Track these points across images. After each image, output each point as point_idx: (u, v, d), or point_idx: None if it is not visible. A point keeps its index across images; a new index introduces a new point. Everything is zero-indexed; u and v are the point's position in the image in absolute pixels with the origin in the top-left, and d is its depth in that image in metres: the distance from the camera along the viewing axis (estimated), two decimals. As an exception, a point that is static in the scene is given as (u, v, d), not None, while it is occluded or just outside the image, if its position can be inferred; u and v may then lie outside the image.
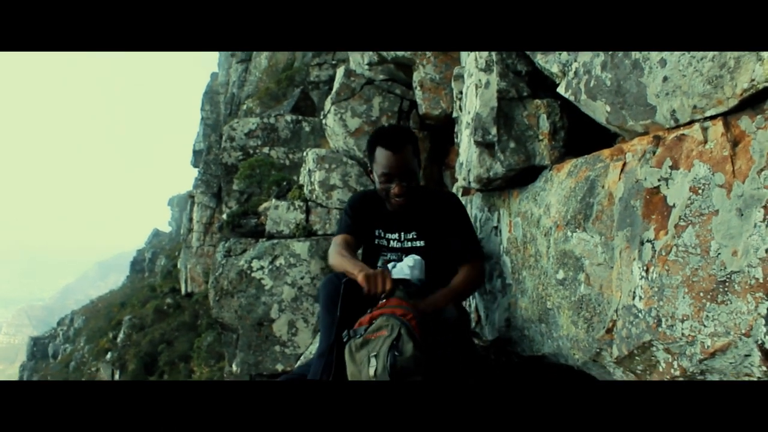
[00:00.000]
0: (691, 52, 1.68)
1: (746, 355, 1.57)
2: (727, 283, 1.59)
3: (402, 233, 2.82)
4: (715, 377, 1.68)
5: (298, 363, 4.87)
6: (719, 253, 1.61)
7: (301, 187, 7.47)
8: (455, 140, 4.33)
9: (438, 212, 2.77)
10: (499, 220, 2.85)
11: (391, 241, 2.84)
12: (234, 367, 6.77)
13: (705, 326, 1.65)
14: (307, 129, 10.60)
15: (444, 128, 5.79)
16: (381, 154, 2.67)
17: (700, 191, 1.67)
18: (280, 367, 6.48)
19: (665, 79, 1.77)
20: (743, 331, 1.55)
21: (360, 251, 2.95)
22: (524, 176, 2.57)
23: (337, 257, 2.71)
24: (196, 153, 29.65)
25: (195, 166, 29.16)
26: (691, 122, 1.74)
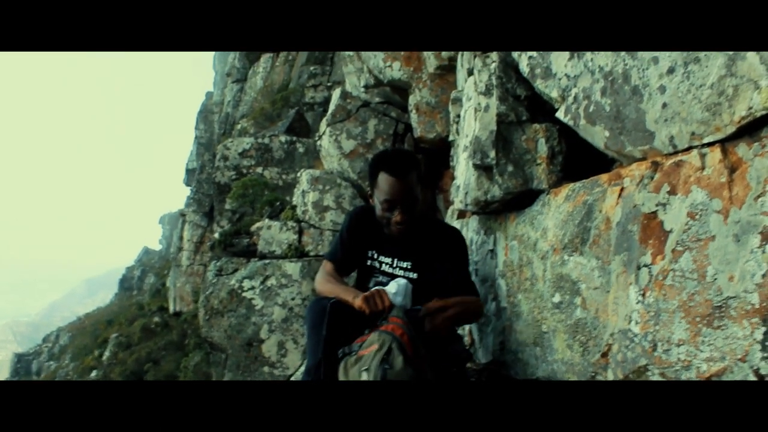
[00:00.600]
0: (690, 80, 1.71)
1: (742, 381, 1.58)
2: (723, 308, 1.61)
3: (396, 260, 2.78)
4: (711, 402, 1.69)
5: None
6: (716, 278, 1.63)
7: (294, 207, 7.48)
8: (450, 163, 4.35)
9: (438, 246, 2.73)
10: (495, 244, 2.86)
11: (383, 265, 2.81)
12: (222, 387, 6.71)
13: (701, 351, 1.66)
14: (301, 150, 10.62)
15: (438, 152, 5.82)
16: (384, 180, 2.59)
17: (697, 217, 1.69)
18: (268, 388, 6.43)
19: (664, 105, 1.80)
20: (739, 357, 1.56)
21: (354, 273, 2.95)
22: (521, 200, 2.58)
23: (327, 285, 2.71)
24: (189, 172, 29.62)
25: (187, 184, 29.12)
26: (689, 148, 1.77)
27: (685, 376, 1.72)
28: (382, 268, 2.81)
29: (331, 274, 2.81)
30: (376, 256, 2.84)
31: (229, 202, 10.46)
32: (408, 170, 2.60)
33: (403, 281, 2.62)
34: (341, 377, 2.23)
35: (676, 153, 1.81)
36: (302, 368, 4.76)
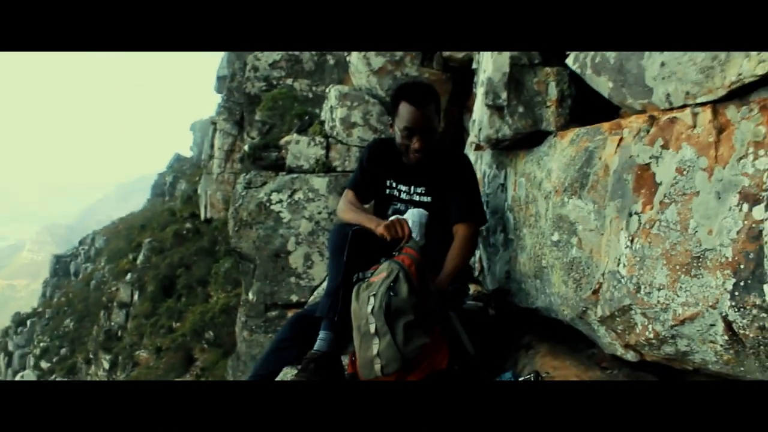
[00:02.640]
0: (687, 42, 1.78)
1: (711, 325, 1.73)
2: (700, 259, 1.74)
3: (412, 186, 2.97)
4: (684, 342, 1.85)
5: (311, 298, 5.10)
6: (696, 231, 1.75)
7: (322, 122, 7.57)
8: (473, 90, 4.42)
9: (448, 171, 2.92)
10: (505, 178, 2.99)
11: (401, 193, 3.00)
12: (250, 296, 7.05)
13: (678, 296, 1.81)
14: (332, 62, 10.59)
15: (467, 71, 5.85)
16: (405, 109, 2.78)
17: (684, 172, 1.80)
18: (294, 298, 6.74)
19: (662, 64, 1.88)
20: (710, 304, 1.71)
21: (371, 204, 3.13)
22: (531, 139, 2.69)
23: (350, 213, 2.90)
24: (220, 79, 29.53)
25: (218, 92, 29.13)
26: (683, 106, 1.86)
27: (662, 317, 1.87)
28: (400, 196, 3.00)
29: (352, 202, 3.01)
30: (394, 184, 3.01)
31: (259, 113, 10.55)
32: (427, 101, 2.79)
33: (418, 212, 2.80)
34: (353, 301, 2.42)
35: (671, 110, 1.90)
36: (325, 282, 5.03)
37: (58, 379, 26.66)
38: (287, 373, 2.79)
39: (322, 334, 2.58)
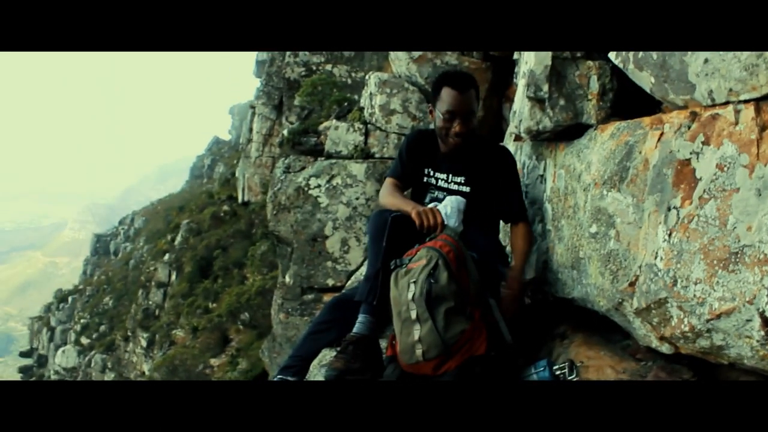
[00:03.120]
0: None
1: (748, 320, 1.75)
2: (738, 255, 1.77)
3: (450, 175, 3.04)
4: (719, 336, 1.88)
5: (349, 282, 5.19)
6: (735, 227, 1.78)
7: (361, 109, 7.62)
8: (514, 80, 4.43)
9: (490, 164, 2.99)
10: (544, 170, 3.02)
11: (439, 181, 3.07)
12: (287, 279, 7.17)
13: (715, 290, 1.84)
14: (372, 48, 10.62)
15: (507, 61, 5.85)
16: (447, 93, 2.89)
17: (725, 168, 1.82)
18: (330, 282, 6.83)
19: (706, 61, 1.89)
20: (747, 299, 1.74)
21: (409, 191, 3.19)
22: (571, 131, 2.72)
23: (389, 198, 2.97)
24: (259, 63, 29.71)
25: (257, 76, 29.31)
26: (726, 103, 1.87)
27: (698, 311, 1.90)
28: (438, 184, 3.06)
29: (393, 188, 3.08)
30: (432, 173, 3.08)
31: (298, 98, 10.64)
32: (469, 87, 2.91)
33: (456, 199, 2.86)
34: (392, 287, 2.50)
35: (713, 106, 1.92)
36: (363, 268, 5.11)
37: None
38: (326, 355, 2.88)
39: (361, 318, 2.66)
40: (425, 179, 3.12)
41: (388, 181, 3.14)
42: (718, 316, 1.84)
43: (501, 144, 3.21)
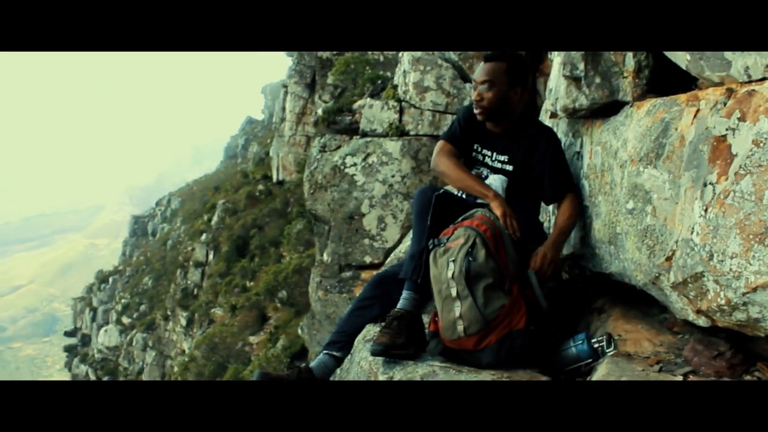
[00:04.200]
0: None
1: (783, 293, 1.80)
2: (774, 230, 1.81)
3: (495, 153, 3.09)
4: (755, 309, 1.92)
5: (389, 260, 5.25)
6: (771, 203, 1.82)
7: (395, 87, 7.66)
8: (548, 56, 4.45)
9: (534, 143, 3.02)
10: (581, 147, 3.06)
11: (486, 158, 3.13)
12: (325, 257, 7.29)
13: (750, 264, 1.88)
14: (403, 26, 10.60)
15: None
16: (478, 66, 2.99)
17: (761, 144, 1.86)
18: (368, 259, 6.93)
19: (742, 38, 1.92)
20: (783, 272, 1.78)
21: None
22: (607, 108, 2.75)
23: (455, 170, 3.02)
24: (291, 41, 29.62)
25: (289, 55, 29.34)
26: (762, 79, 1.90)
27: (734, 285, 1.95)
28: (484, 161, 3.13)
29: (451, 154, 3.12)
30: (479, 149, 3.15)
31: (331, 77, 10.72)
32: (497, 58, 2.96)
33: (499, 178, 2.93)
34: (431, 266, 2.59)
35: (750, 82, 1.95)
36: (401, 246, 5.19)
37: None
38: (369, 330, 2.98)
39: (405, 294, 2.75)
40: (473, 154, 3.19)
41: (444, 145, 3.16)
42: (754, 290, 1.88)
43: (546, 125, 3.24)
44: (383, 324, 2.66)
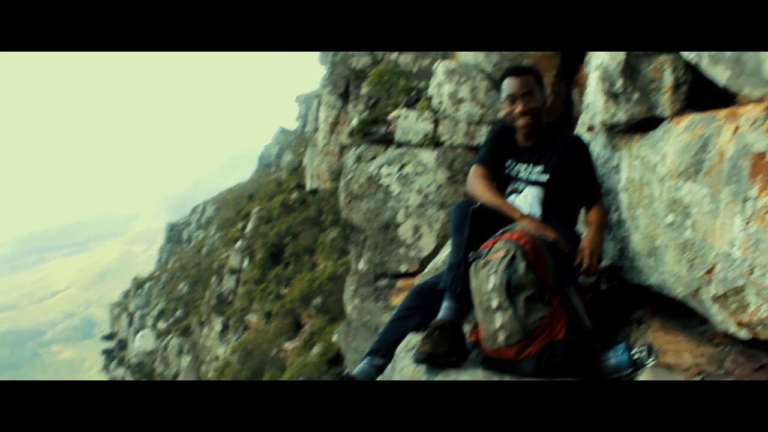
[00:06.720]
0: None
1: (824, 307, 1.84)
2: (814, 244, 1.85)
3: (530, 165, 3.17)
4: (796, 322, 1.96)
5: (426, 269, 5.30)
6: (811, 218, 1.86)
7: (430, 98, 7.71)
8: (585, 69, 4.49)
9: (566, 152, 3.11)
10: (619, 160, 3.10)
11: (520, 172, 3.21)
12: (361, 265, 7.36)
13: (791, 278, 1.92)
14: (437, 36, 10.66)
15: (575, 46, 5.81)
16: (506, 83, 3.14)
17: (801, 161, 1.90)
18: (403, 268, 6.98)
19: (781, 56, 1.96)
20: (823, 287, 1.82)
21: None
22: (645, 123, 2.79)
23: (488, 194, 3.11)
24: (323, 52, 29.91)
25: (322, 63, 29.57)
26: (801, 97, 1.94)
27: (775, 298, 1.99)
28: (519, 176, 3.20)
29: (485, 178, 3.23)
30: (513, 164, 3.24)
31: (365, 87, 10.81)
32: (524, 72, 3.14)
33: (535, 189, 3.01)
34: (472, 278, 2.66)
35: (789, 100, 1.99)
36: (439, 256, 5.24)
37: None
38: (411, 339, 3.05)
39: (445, 304, 2.81)
40: (506, 170, 3.27)
41: (478, 168, 3.27)
42: (796, 303, 1.92)
43: (577, 136, 3.32)
44: (425, 333, 2.73)
